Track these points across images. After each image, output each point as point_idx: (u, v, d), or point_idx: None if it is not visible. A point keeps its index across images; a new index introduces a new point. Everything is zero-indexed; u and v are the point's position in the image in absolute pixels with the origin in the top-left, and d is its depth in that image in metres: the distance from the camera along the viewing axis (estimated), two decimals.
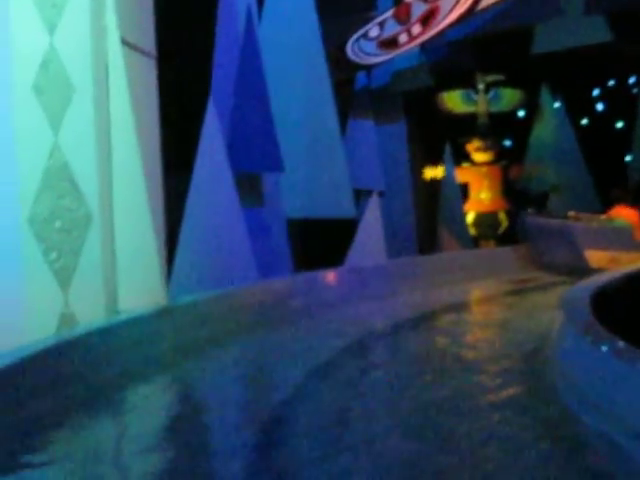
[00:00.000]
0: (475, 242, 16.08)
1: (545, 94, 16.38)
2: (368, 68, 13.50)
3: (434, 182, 16.32)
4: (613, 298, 6.91)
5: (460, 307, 10.36)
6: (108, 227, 7.12)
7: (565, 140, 16.08)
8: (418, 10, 12.51)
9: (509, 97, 17.23)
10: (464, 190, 16.40)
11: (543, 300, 10.08)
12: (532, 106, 16.84)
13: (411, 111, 14.82)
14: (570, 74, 16.03)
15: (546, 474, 3.94)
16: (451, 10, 12.23)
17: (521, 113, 17.80)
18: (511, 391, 5.56)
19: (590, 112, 17.81)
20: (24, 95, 6.46)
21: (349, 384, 6.09)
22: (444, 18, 12.31)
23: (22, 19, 6.46)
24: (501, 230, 16.71)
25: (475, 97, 17.06)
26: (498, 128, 17.17)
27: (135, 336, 6.52)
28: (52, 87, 6.62)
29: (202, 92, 9.43)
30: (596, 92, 17.95)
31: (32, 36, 6.53)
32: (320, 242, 11.91)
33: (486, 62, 15.96)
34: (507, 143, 17.97)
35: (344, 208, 11.92)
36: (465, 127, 16.96)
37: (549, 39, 12.80)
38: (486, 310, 10.63)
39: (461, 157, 16.85)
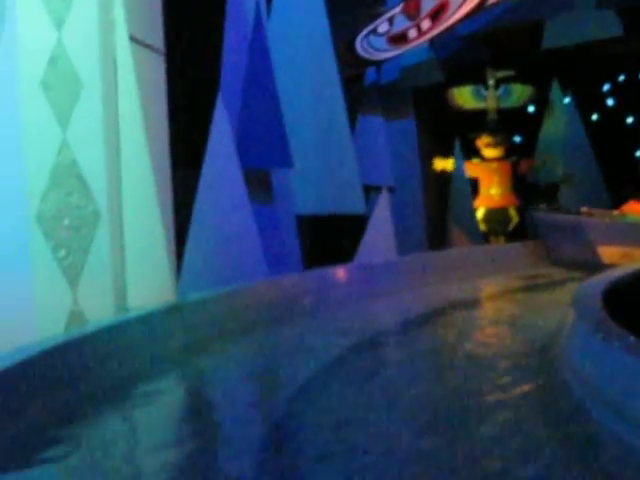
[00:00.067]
0: (485, 238, 16.04)
1: (555, 89, 16.31)
2: (377, 64, 13.44)
3: (444, 178, 16.27)
4: (625, 294, 6.88)
5: (470, 303, 10.34)
6: (117, 224, 7.11)
7: (575, 135, 15.99)
8: (427, 5, 12.45)
9: (519, 93, 17.15)
10: (474, 186, 16.35)
11: (554, 296, 10.06)
12: (542, 102, 16.77)
13: (421, 107, 14.77)
14: (580, 69, 15.97)
15: (558, 470, 3.92)
16: (461, 5, 12.17)
17: (531, 109, 17.74)
18: (523, 388, 5.52)
19: (600, 107, 17.75)
20: (32, 91, 6.44)
21: (362, 379, 6.08)
22: (454, 13, 12.25)
23: (30, 15, 6.44)
24: (511, 226, 16.65)
25: (485, 93, 16.99)
26: (508, 124, 17.11)
27: (144, 333, 6.51)
28: (60, 83, 6.60)
29: (211, 88, 9.40)
30: (606, 87, 17.88)
31: (40, 32, 6.51)
32: (330, 238, 11.88)
33: (496, 57, 15.90)
34: (517, 139, 17.92)
35: (354, 204, 11.88)
36: (475, 123, 16.91)
37: (559, 34, 12.73)
38: (496, 306, 10.58)
39: (471, 153, 16.79)
